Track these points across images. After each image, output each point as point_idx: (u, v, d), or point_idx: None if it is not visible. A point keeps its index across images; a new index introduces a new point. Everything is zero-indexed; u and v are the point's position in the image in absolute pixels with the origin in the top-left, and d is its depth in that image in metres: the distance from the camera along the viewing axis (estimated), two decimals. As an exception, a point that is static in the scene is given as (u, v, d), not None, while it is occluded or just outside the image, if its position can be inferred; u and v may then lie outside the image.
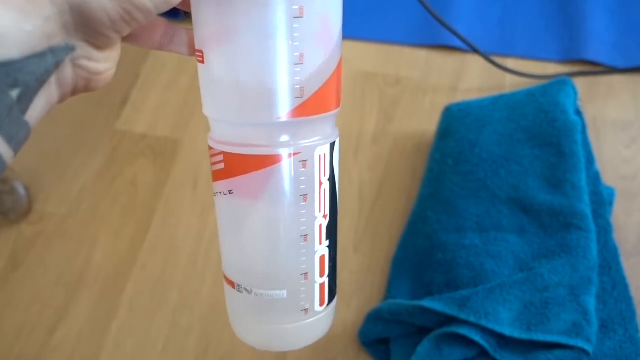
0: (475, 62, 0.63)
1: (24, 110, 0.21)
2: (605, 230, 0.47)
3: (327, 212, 0.27)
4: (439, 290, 0.45)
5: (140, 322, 0.51)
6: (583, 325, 0.40)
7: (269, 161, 0.24)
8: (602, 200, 0.48)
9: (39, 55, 0.20)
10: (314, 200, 0.26)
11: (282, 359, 0.48)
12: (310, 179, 0.25)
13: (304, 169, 0.25)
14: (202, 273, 0.53)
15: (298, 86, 0.23)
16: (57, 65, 0.22)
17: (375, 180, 0.56)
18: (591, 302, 0.42)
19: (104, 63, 0.24)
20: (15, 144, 0.21)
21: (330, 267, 0.28)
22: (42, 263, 0.54)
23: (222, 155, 0.25)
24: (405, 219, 0.53)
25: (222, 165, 0.25)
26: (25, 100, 0.21)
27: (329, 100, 0.25)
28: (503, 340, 0.41)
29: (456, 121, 0.52)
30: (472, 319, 0.40)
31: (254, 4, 0.21)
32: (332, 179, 0.27)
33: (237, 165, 0.25)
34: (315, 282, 0.28)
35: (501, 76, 0.62)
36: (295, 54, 0.22)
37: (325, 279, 0.28)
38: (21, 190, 0.56)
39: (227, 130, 0.25)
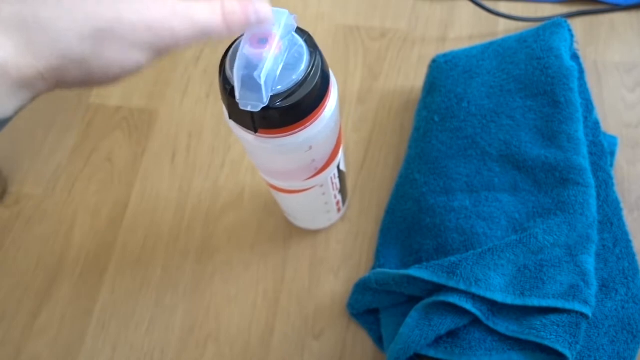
0: (465, 8, 0.59)
1: None
2: (605, 183, 0.44)
3: (339, 185, 0.43)
4: (429, 257, 0.43)
5: (124, 302, 0.49)
6: (581, 287, 0.38)
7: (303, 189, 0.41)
8: (602, 151, 0.45)
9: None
10: (330, 190, 0.42)
11: (269, 335, 0.46)
12: (327, 189, 0.42)
13: (321, 187, 0.41)
14: (184, 249, 0.51)
15: (312, 165, 0.36)
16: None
17: (362, 142, 0.53)
18: (590, 262, 0.39)
19: None
20: None
21: (341, 196, 0.46)
22: (21, 246, 0.53)
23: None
24: (394, 183, 0.50)
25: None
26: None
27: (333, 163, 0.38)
28: (496, 307, 0.39)
29: (443, 74, 0.48)
30: (461, 286, 0.38)
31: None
32: (338, 172, 0.41)
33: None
34: (333, 209, 0.47)
35: (493, 22, 0.57)
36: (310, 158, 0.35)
37: (339, 197, 0.45)
38: (-5, 173, 0.54)
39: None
